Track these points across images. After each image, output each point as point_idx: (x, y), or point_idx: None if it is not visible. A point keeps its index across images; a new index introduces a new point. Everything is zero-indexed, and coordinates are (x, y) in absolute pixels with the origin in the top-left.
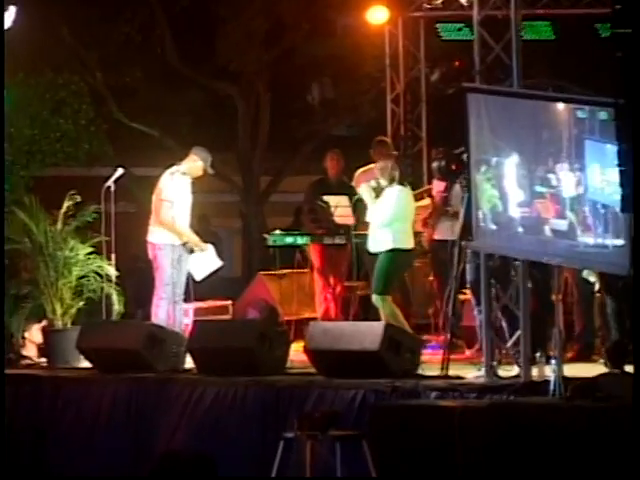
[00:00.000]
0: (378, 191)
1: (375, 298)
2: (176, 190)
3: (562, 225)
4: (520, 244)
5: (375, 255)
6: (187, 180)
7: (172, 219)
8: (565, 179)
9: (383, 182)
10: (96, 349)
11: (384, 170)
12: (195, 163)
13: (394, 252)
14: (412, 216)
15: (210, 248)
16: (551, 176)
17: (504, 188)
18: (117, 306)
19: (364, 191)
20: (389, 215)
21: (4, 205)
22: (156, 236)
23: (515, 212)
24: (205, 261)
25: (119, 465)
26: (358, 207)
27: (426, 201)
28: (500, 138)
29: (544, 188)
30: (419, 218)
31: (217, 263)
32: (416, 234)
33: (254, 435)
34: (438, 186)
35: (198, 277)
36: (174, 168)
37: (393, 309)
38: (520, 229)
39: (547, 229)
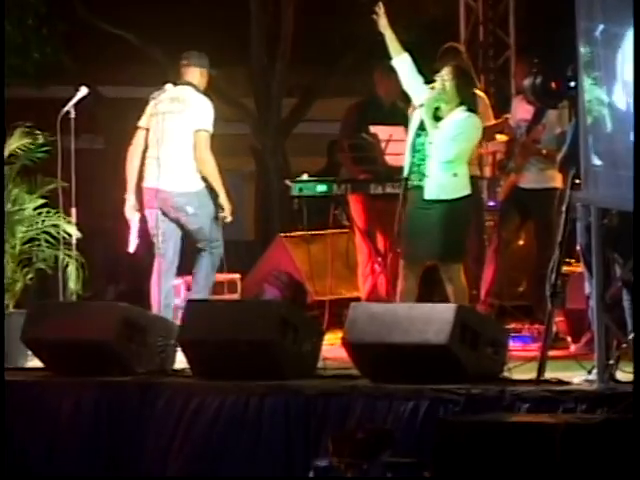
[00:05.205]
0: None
1: (447, 269)
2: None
3: None
4: None
5: (429, 203)
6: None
7: None
8: None
9: (443, 102)
10: (50, 342)
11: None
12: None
13: (467, 199)
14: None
15: None
16: None
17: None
18: (73, 284)
19: (425, 112)
20: (460, 149)
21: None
22: None
23: None
24: None
25: None
26: None
27: (503, 137)
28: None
29: None
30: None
31: None
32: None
33: (274, 462)
34: (523, 113)
35: None
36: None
37: (465, 284)
38: None
39: None
